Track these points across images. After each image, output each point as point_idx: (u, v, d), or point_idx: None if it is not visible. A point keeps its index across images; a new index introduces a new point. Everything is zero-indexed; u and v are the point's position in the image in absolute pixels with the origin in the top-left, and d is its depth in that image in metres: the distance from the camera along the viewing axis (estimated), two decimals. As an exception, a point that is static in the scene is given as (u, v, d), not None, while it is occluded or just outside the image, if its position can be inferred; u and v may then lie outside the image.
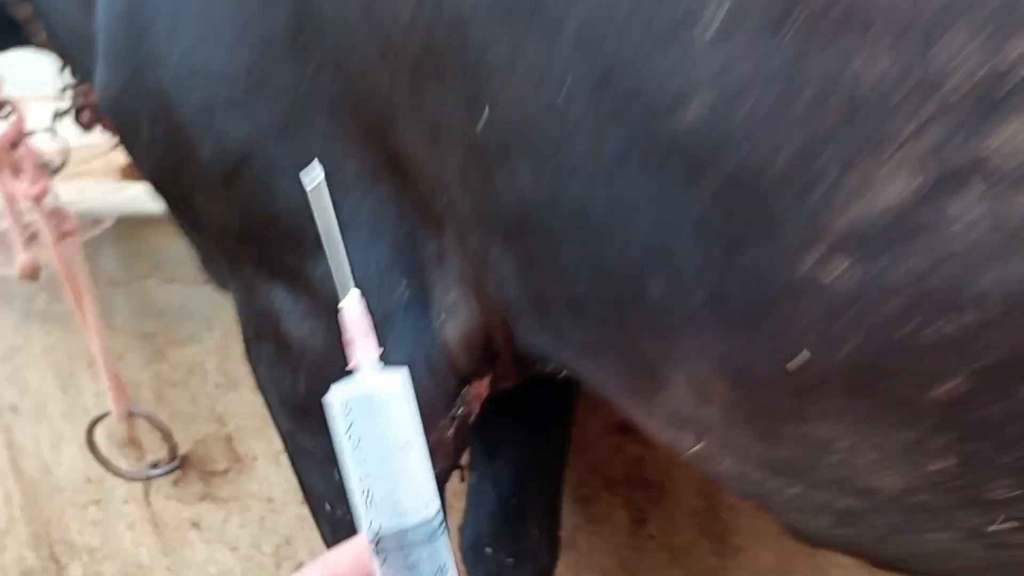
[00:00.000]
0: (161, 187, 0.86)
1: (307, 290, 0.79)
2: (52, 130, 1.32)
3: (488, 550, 1.17)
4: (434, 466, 0.42)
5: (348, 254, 0.39)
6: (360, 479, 0.37)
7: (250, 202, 0.76)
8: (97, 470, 1.64)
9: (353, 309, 0.39)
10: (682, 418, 0.60)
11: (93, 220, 1.58)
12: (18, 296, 1.67)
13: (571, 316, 0.62)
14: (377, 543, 0.37)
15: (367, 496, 0.36)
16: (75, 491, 1.73)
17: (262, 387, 0.89)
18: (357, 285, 0.39)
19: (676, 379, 0.57)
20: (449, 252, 0.74)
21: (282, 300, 0.80)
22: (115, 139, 1.29)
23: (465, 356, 0.78)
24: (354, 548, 0.39)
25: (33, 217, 1.37)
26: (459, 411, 0.81)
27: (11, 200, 1.33)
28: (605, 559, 1.45)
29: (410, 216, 0.74)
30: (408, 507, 0.37)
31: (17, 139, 1.31)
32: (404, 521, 0.36)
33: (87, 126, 1.33)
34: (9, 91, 1.27)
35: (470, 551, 1.19)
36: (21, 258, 1.38)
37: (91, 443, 1.56)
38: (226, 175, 0.75)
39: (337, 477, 0.85)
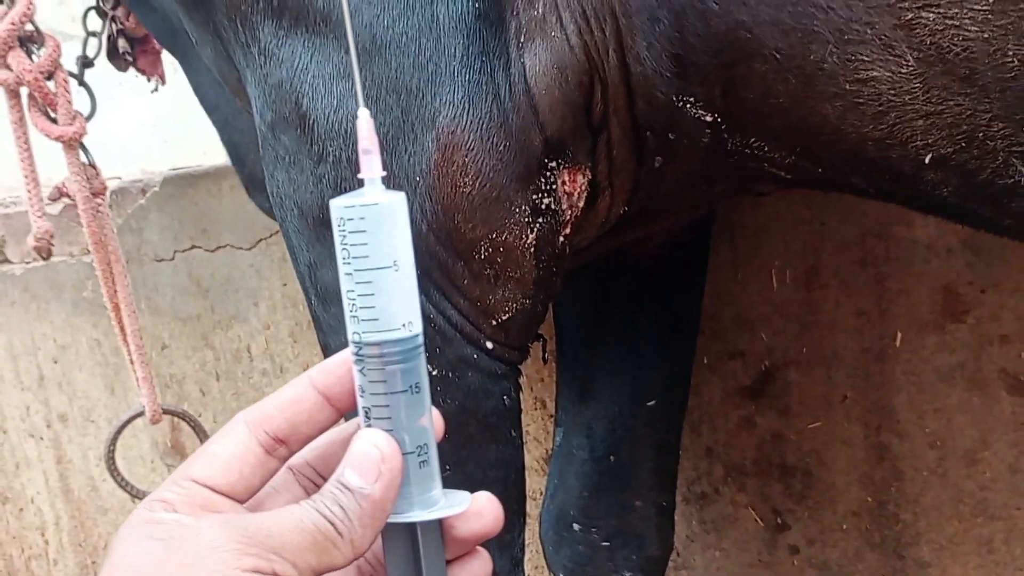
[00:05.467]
0: None
1: (335, 38, 0.68)
2: (79, 76, 1.19)
3: (576, 528, 0.93)
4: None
5: None
6: (348, 291, 0.43)
7: None
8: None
9: (364, 123, 0.43)
10: None
11: (140, 189, 1.47)
12: (68, 285, 1.61)
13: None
14: (358, 352, 0.43)
15: (353, 309, 0.43)
16: (120, 511, 1.69)
17: (279, 202, 0.76)
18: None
19: None
20: None
21: (306, 63, 0.69)
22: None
23: (553, 101, 0.65)
24: (338, 362, 0.44)
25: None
26: (545, 202, 0.67)
27: (26, 150, 1.15)
28: (730, 582, 1.20)
29: None
30: (388, 324, 0.42)
31: (52, 69, 1.16)
32: (382, 336, 0.42)
33: (121, 60, 1.20)
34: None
35: (552, 529, 0.96)
36: (38, 224, 1.20)
37: (110, 456, 1.37)
38: None
39: None
